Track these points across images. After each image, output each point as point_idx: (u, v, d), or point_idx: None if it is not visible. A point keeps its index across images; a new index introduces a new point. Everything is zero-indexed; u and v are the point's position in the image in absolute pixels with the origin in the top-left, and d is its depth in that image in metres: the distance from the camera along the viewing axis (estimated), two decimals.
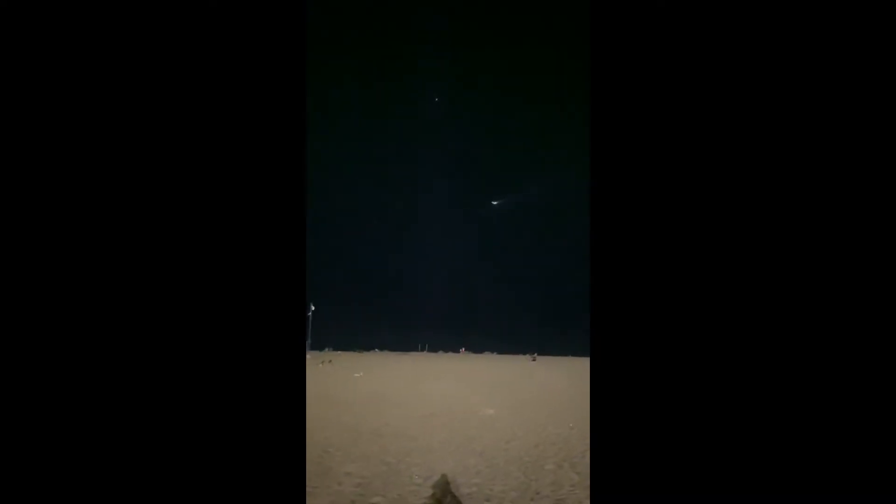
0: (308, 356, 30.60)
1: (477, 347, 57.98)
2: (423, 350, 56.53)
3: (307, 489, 2.93)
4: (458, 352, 56.17)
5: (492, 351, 56.10)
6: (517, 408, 7.18)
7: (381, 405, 7.09)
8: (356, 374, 14.18)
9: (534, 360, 34.34)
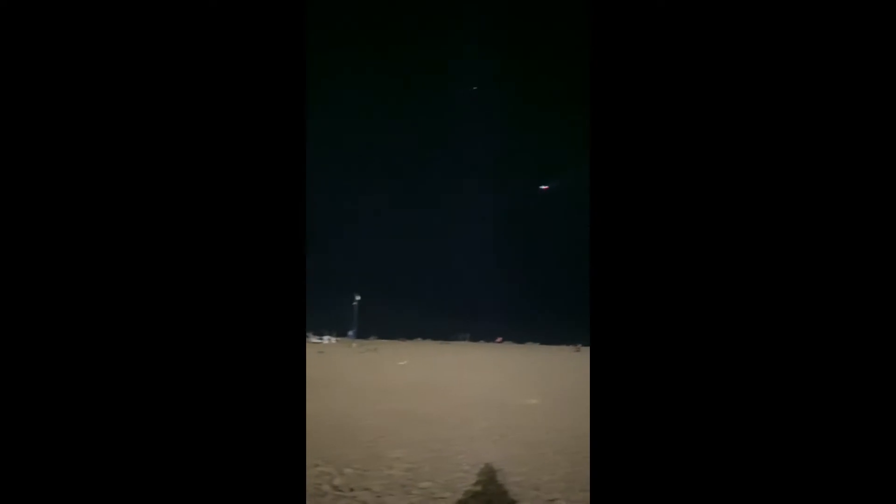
0: (354, 344, 31.60)
1: (519, 337, 57.58)
2: (465, 339, 56.88)
3: (359, 472, 3.05)
4: (496, 341, 55.94)
5: (534, 341, 55.54)
6: (561, 399, 7.11)
7: (425, 393, 7.23)
8: (401, 363, 14.49)
9: (578, 350, 33.69)
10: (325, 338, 37.52)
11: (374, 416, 5.06)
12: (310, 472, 2.98)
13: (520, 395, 7.29)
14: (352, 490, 2.71)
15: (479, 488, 2.82)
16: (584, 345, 40.37)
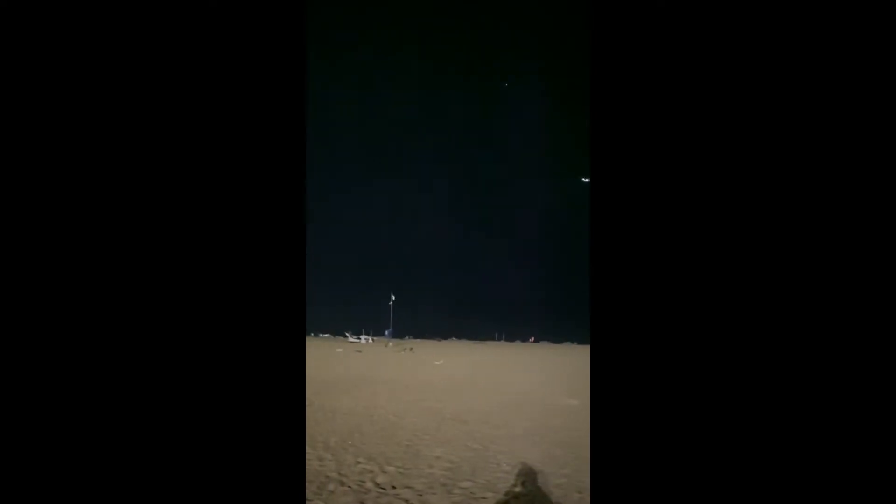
0: (390, 344, 32.04)
1: (556, 337, 56.64)
2: (500, 339, 56.55)
3: (400, 470, 3.09)
4: (529, 341, 55.09)
5: (571, 341, 54.48)
6: None
7: (462, 392, 7.23)
8: (437, 362, 14.57)
9: None
10: (363, 337, 38.22)
11: (413, 414, 5.12)
12: (353, 470, 3.05)
13: (558, 396, 7.18)
14: (394, 488, 2.76)
15: (520, 489, 2.80)
16: None
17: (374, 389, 7.24)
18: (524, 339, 55.86)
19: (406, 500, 2.57)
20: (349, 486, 2.74)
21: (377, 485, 2.79)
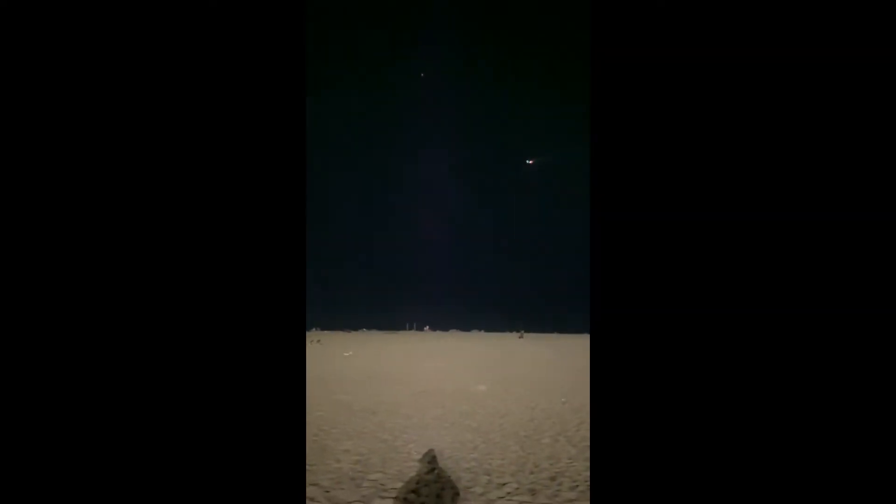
0: None
1: (466, 325, 58.48)
2: (410, 329, 56.88)
3: (307, 466, 2.92)
4: (423, 329, 55.71)
5: (479, 329, 56.64)
6: (508, 384, 7.29)
7: (372, 383, 7.12)
8: (346, 354, 14.21)
9: (521, 337, 34.84)
10: None
11: (320, 408, 4.90)
12: None
13: (468, 383, 7.39)
14: None
15: (430, 476, 2.80)
16: (527, 331, 41.70)
17: None
18: (433, 329, 56.74)
19: (312, 499, 2.44)
20: None
21: None
